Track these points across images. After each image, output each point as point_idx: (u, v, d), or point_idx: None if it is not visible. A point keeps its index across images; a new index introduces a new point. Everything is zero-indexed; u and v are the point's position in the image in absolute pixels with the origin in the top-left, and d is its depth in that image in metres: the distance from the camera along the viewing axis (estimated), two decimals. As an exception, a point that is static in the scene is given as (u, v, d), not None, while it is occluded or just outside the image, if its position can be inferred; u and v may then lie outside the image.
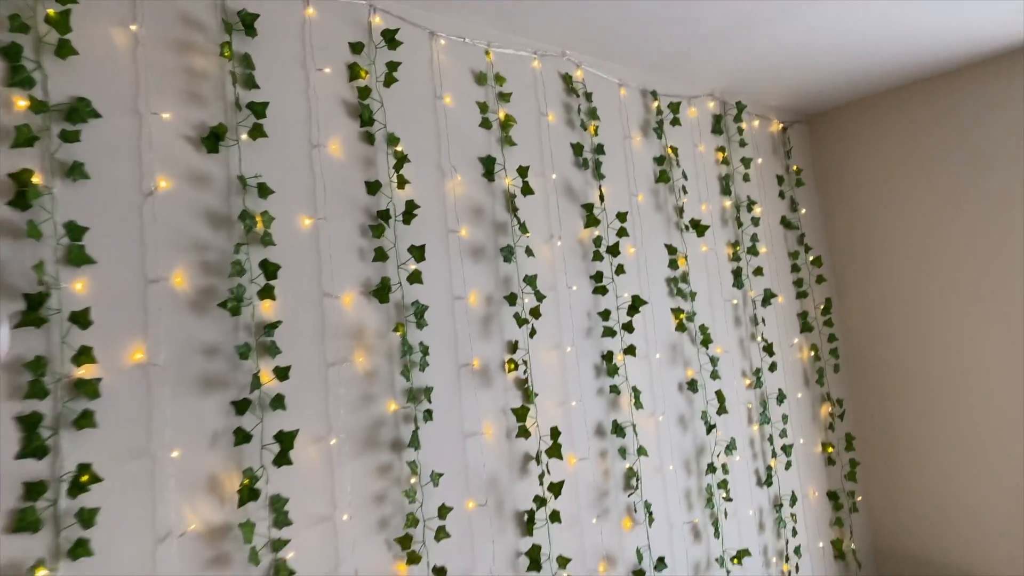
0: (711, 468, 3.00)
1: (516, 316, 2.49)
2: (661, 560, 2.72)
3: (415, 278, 2.25)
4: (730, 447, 3.07)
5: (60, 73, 1.74)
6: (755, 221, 3.46)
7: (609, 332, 2.77)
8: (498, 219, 2.55)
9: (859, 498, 3.67)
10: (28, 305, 1.62)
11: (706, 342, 3.10)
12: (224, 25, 2.00)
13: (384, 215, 2.24)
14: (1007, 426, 3.31)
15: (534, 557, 2.38)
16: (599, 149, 2.89)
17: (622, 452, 2.72)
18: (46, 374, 1.63)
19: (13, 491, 1.57)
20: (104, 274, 1.75)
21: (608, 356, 2.76)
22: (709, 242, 3.27)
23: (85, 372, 1.68)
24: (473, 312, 2.42)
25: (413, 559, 2.11)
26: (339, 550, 2.01)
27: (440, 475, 2.22)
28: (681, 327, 3.04)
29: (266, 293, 1.96)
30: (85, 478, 1.63)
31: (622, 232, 2.87)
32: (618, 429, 2.72)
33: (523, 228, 2.56)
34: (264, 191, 2.00)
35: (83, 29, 1.79)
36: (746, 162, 3.47)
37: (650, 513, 2.74)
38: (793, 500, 3.32)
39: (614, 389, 2.76)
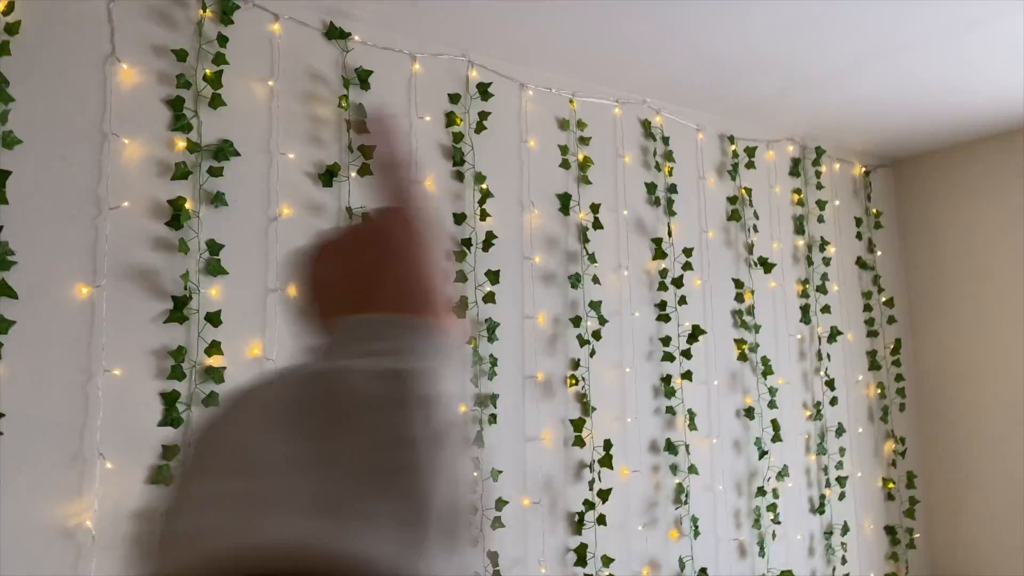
0: (761, 491, 3.20)
1: (579, 337, 2.79)
2: (703, 571, 2.95)
3: (489, 298, 2.59)
4: (782, 473, 3.26)
5: (211, 120, 2.18)
6: (827, 261, 3.62)
7: (669, 357, 3.02)
8: (570, 249, 2.85)
9: (917, 535, 3.76)
10: (175, 305, 2.05)
11: (767, 373, 3.30)
12: (343, 80, 2.40)
13: (467, 242, 2.59)
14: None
15: (581, 554, 2.67)
16: (672, 188, 3.14)
17: (673, 468, 2.97)
18: (184, 361, 2.05)
19: (155, 451, 2.01)
20: (235, 283, 2.17)
21: (667, 379, 3.01)
22: (778, 279, 3.46)
23: (214, 362, 2.10)
24: (540, 331, 2.74)
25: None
26: (407, 527, 2.36)
27: (500, 472, 2.55)
28: (743, 357, 3.25)
29: (361, 305, 2.34)
30: (209, 446, 2.05)
31: (688, 266, 3.11)
32: (671, 447, 2.97)
33: (592, 258, 2.86)
34: (366, 219, 2.38)
35: (231, 84, 2.22)
36: (821, 204, 3.63)
37: (696, 527, 2.97)
38: (845, 530, 3.46)
39: (670, 410, 3.01)
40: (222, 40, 2.20)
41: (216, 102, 2.17)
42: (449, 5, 2.38)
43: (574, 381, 2.77)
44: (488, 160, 2.69)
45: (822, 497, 3.42)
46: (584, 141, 2.92)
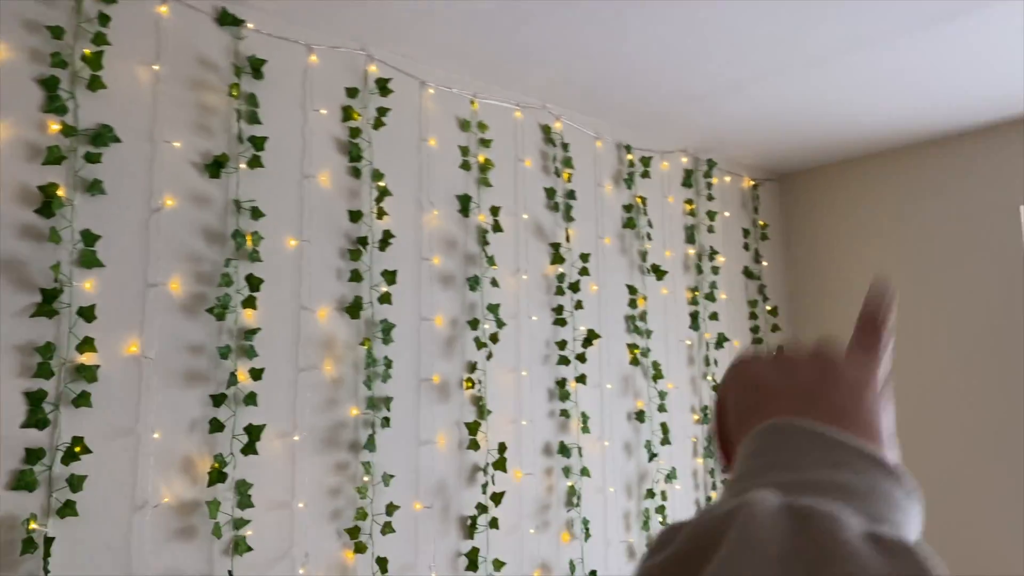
0: (650, 493, 3.26)
1: (476, 340, 2.77)
2: (593, 573, 2.98)
3: (385, 299, 2.54)
4: (670, 476, 3.33)
5: (89, 103, 2.05)
6: (715, 270, 3.74)
7: (564, 361, 3.05)
8: (469, 251, 2.83)
9: (796, 536, 3.92)
10: (43, 298, 1.92)
11: (657, 377, 3.37)
12: (234, 68, 2.31)
13: (363, 241, 2.53)
14: (954, 483, 3.57)
15: (472, 559, 2.64)
16: (571, 194, 3.17)
17: (566, 471, 2.99)
18: (53, 358, 1.92)
19: (16, 455, 1.86)
20: (111, 277, 2.04)
21: (561, 383, 3.03)
22: (669, 286, 3.54)
23: (86, 359, 1.97)
24: (438, 333, 2.70)
25: (360, 548, 2.38)
26: (293, 533, 2.28)
27: (391, 476, 2.49)
28: (635, 361, 3.31)
29: (249, 303, 2.25)
30: (78, 449, 1.92)
31: (584, 271, 3.15)
32: (564, 450, 2.99)
33: (491, 261, 2.85)
34: (256, 214, 2.30)
35: (112, 66, 2.09)
36: (711, 215, 3.75)
37: (587, 529, 3.00)
38: (730, 531, 3.56)
39: (564, 413, 3.03)
40: (103, 19, 2.07)
41: (95, 84, 2.04)
42: (349, -3, 2.33)
43: (470, 384, 2.75)
44: (386, 158, 2.64)
45: (708, 499, 3.52)
46: (485, 143, 2.91)
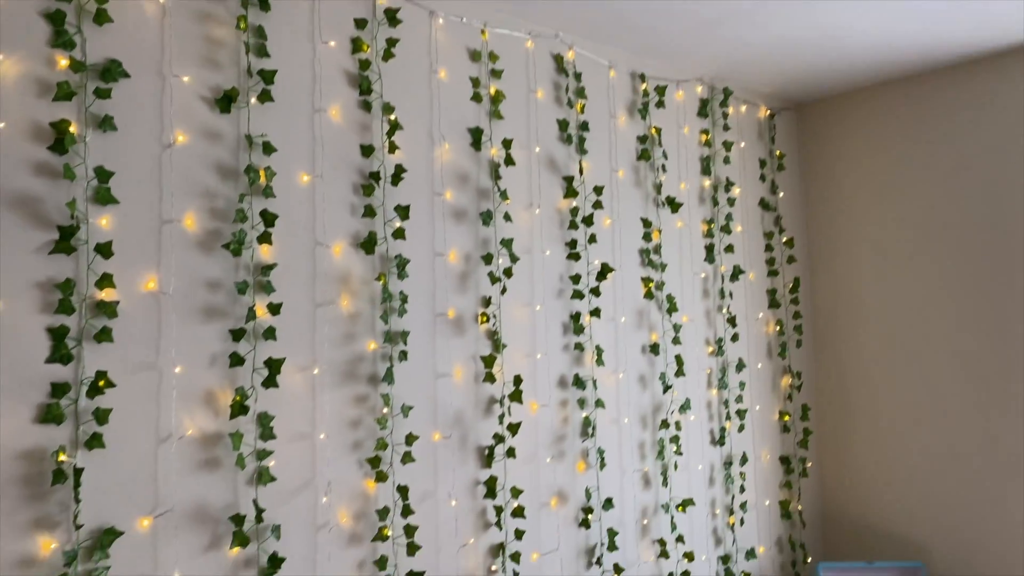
0: (664, 424, 3.30)
1: (490, 275, 2.77)
2: (609, 501, 3.04)
3: (399, 234, 2.54)
4: (684, 407, 3.37)
5: (97, 37, 2.02)
6: (731, 201, 3.70)
7: (578, 295, 3.05)
8: (481, 186, 2.82)
9: (809, 464, 3.96)
10: (61, 235, 1.93)
11: (672, 310, 3.38)
12: (241, 0, 2.27)
13: (375, 176, 2.52)
14: (956, 408, 3.58)
15: (491, 486, 2.70)
16: (584, 126, 3.13)
17: (581, 403, 3.03)
18: (73, 294, 1.94)
19: (42, 389, 1.90)
20: (126, 213, 2.05)
21: (576, 316, 3.04)
22: (684, 218, 3.52)
23: (106, 295, 1.99)
24: (451, 268, 2.71)
25: (381, 477, 2.43)
26: (316, 464, 2.33)
27: (410, 408, 2.53)
28: (649, 295, 3.32)
29: (264, 239, 2.26)
30: (102, 383, 1.95)
31: (598, 204, 3.13)
32: (579, 382, 3.02)
33: (504, 195, 2.83)
34: (268, 149, 2.29)
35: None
36: (728, 145, 3.70)
37: (602, 459, 3.05)
38: (744, 460, 3.61)
39: (579, 346, 3.05)
40: (106, -50, 2.03)
41: (101, 18, 2.01)
42: (355, -76, 2.27)
43: (485, 318, 2.76)
44: (397, 90, 2.61)
45: (722, 429, 3.56)
46: (496, 74, 2.87)
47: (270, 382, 2.23)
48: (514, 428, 2.76)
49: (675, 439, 3.32)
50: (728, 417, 3.59)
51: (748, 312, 3.79)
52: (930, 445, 3.65)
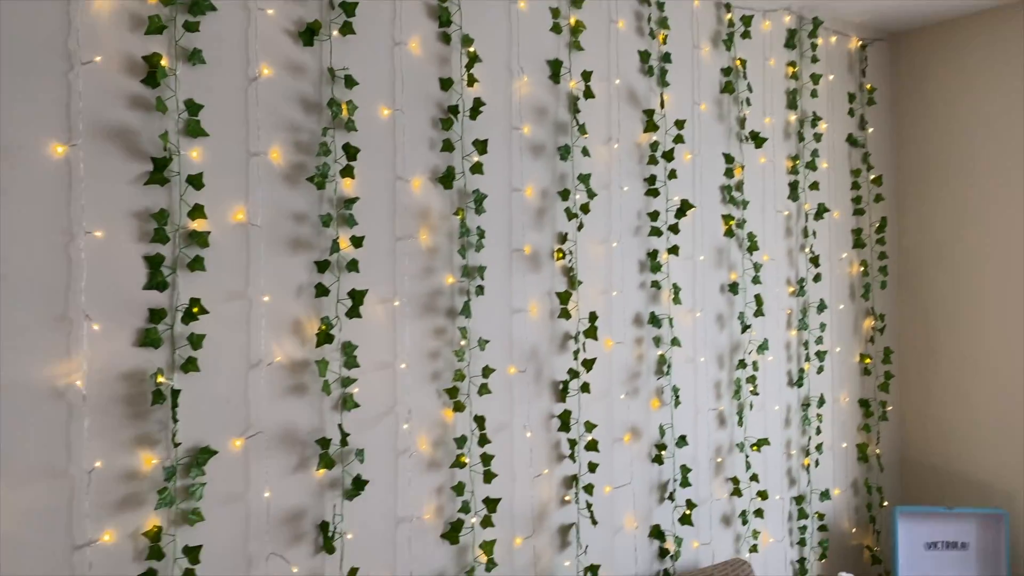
0: (742, 364, 3.27)
1: (567, 210, 2.76)
2: (683, 438, 3.05)
3: (477, 169, 2.54)
4: (762, 347, 3.32)
5: (184, -29, 2.06)
6: (817, 137, 3.57)
7: (656, 232, 3.01)
8: (560, 120, 2.79)
9: (890, 408, 3.88)
10: (154, 167, 2.00)
11: (752, 249, 3.31)
12: (322, -70, 2.26)
13: (453, 110, 2.51)
14: (1041, 354, 3.44)
15: (565, 420, 2.74)
16: (666, 58, 3.05)
17: (656, 341, 3.02)
18: (167, 224, 2.02)
19: (141, 315, 2.00)
20: (215, 145, 2.11)
21: (653, 254, 3.01)
22: (768, 154, 3.42)
23: (198, 226, 2.06)
24: (528, 203, 2.70)
25: (458, 407, 2.49)
26: (396, 392, 2.40)
27: (487, 341, 2.57)
28: (729, 233, 3.25)
29: (347, 172, 2.29)
30: (196, 310, 2.04)
31: (679, 139, 3.06)
32: (655, 320, 3.01)
33: (582, 129, 2.79)
34: (350, 82, 2.30)
35: (204, -68, 2.08)
36: (815, 78, 3.55)
37: (677, 397, 3.05)
38: (821, 402, 3.56)
39: (655, 284, 3.02)
40: None
41: (188, -49, 2.04)
42: None
43: (561, 255, 2.76)
44: (476, 22, 2.58)
45: (801, 371, 3.51)
46: (576, 4, 2.80)
47: (353, 313, 2.29)
48: (588, 364, 2.78)
49: (752, 379, 3.29)
50: (807, 359, 3.53)
51: (831, 252, 3.69)
52: (1016, 391, 3.52)
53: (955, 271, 3.74)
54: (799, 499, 3.49)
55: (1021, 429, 3.52)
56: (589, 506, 2.77)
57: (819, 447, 3.56)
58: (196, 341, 2.04)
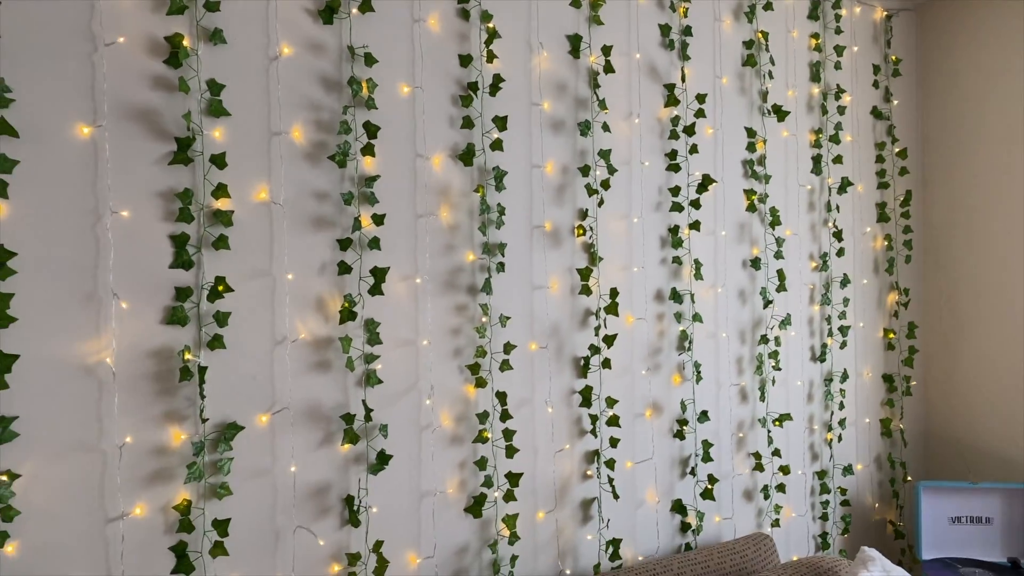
0: (764, 339, 3.26)
1: (588, 186, 2.75)
2: (704, 413, 3.05)
3: (497, 146, 2.54)
4: (785, 322, 3.31)
5: (204, -50, 2.06)
6: (841, 110, 3.53)
7: (677, 207, 3.00)
8: (580, 95, 2.77)
9: (914, 383, 3.86)
10: (178, 146, 2.02)
11: (775, 223, 3.29)
12: (340, -93, 2.26)
13: (473, 87, 2.51)
14: (1069, 328, 3.39)
15: (586, 395, 2.75)
16: (687, 31, 3.02)
17: (678, 316, 3.02)
18: (192, 203, 2.04)
19: (168, 293, 2.03)
20: (237, 125, 2.12)
21: (674, 229, 3.00)
22: (791, 127, 3.38)
23: (222, 205, 2.09)
24: (548, 180, 2.70)
25: (480, 383, 2.51)
26: (419, 368, 2.43)
27: (508, 318, 2.58)
28: (752, 208, 3.23)
29: (368, 150, 2.30)
30: (221, 288, 2.07)
31: (700, 113, 3.04)
32: (676, 296, 3.00)
33: (602, 105, 2.78)
34: (370, 60, 2.31)
35: (223, -89, 2.09)
36: (839, 50, 3.50)
37: (699, 372, 3.05)
38: (844, 377, 3.55)
39: (677, 260, 3.02)
40: None
41: (208, -70, 2.05)
42: None
43: (582, 231, 2.76)
44: (495, -2, 2.57)
45: (823, 346, 3.49)
46: (595, -22, 2.78)
47: (376, 290, 2.31)
48: (610, 340, 2.78)
49: (774, 354, 3.28)
50: (830, 333, 3.51)
51: (855, 226, 3.65)
52: (1047, 366, 3.49)
53: (981, 245, 3.70)
54: (821, 474, 3.49)
55: (1048, 404, 3.49)
56: (611, 480, 2.79)
57: (842, 422, 3.55)
58: (222, 319, 2.07)
